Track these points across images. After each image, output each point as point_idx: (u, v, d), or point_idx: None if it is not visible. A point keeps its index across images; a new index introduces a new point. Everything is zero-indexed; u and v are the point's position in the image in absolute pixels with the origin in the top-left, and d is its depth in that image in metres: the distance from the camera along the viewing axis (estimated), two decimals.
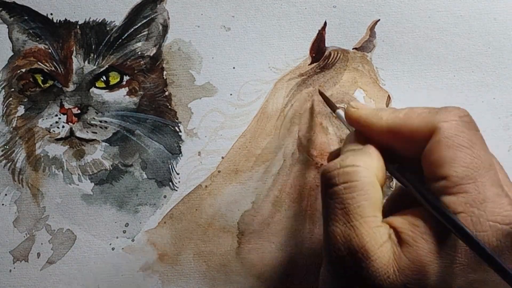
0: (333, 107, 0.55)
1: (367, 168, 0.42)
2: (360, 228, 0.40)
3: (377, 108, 0.45)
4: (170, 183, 0.59)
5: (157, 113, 0.59)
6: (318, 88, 0.58)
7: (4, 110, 0.60)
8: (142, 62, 0.60)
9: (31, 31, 0.60)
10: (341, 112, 0.52)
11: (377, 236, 0.40)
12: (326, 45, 0.59)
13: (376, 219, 0.41)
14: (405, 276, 0.39)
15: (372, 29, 0.59)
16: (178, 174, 0.59)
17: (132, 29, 0.60)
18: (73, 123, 0.59)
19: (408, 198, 0.43)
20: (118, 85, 0.59)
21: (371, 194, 0.41)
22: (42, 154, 0.59)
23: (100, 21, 0.60)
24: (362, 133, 0.45)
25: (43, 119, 0.59)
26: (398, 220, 0.41)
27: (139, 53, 0.60)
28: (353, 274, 0.40)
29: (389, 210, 0.43)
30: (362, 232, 0.40)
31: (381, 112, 0.44)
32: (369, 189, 0.41)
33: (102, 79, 0.59)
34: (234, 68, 0.60)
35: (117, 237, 0.59)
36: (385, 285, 0.39)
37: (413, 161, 0.43)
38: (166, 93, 0.60)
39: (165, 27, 0.60)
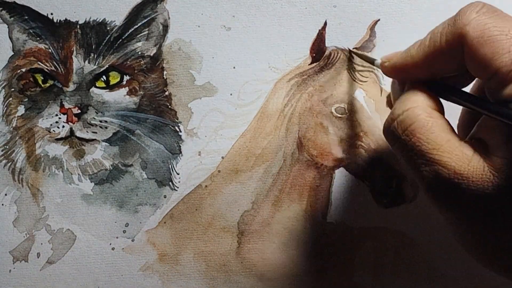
0: (370, 60, 0.56)
1: (417, 106, 0.42)
2: (441, 159, 0.39)
3: (404, 50, 0.45)
4: (170, 183, 0.59)
5: (157, 113, 0.59)
6: (348, 48, 0.59)
7: (4, 110, 0.60)
8: (142, 62, 0.60)
9: (31, 31, 0.60)
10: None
11: (461, 155, 0.39)
12: (326, 45, 0.59)
13: (451, 142, 0.40)
14: (506, 175, 0.38)
15: (372, 28, 0.59)
16: (178, 174, 0.59)
17: (133, 29, 0.60)
18: (73, 123, 0.59)
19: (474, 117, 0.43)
20: (118, 85, 0.59)
21: (433, 124, 0.41)
22: (42, 154, 0.59)
23: (100, 20, 0.60)
24: (404, 79, 0.46)
25: (43, 119, 0.59)
26: (474, 132, 0.42)
27: (140, 53, 0.60)
28: (465, 201, 0.39)
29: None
30: (444, 161, 0.39)
31: (408, 51, 0.44)
32: (429, 121, 0.41)
33: (102, 79, 0.59)
34: (234, 68, 0.60)
35: (117, 237, 0.59)
36: (494, 194, 0.38)
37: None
38: (166, 93, 0.60)
39: (166, 27, 0.60)
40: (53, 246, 0.59)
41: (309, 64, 0.59)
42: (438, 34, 0.42)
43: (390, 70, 0.46)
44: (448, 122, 0.42)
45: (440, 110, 0.43)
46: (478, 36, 0.39)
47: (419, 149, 0.40)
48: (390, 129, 0.43)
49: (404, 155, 0.42)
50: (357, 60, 0.59)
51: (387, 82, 0.59)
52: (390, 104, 0.55)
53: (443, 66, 0.43)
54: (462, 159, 0.39)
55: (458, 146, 0.40)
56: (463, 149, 0.40)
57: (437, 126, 0.41)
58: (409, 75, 0.45)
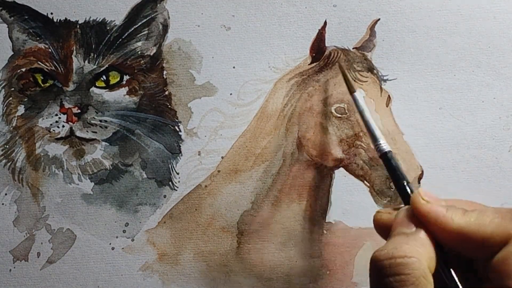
0: (350, 89, 0.54)
1: (419, 259, 0.40)
2: None
3: (447, 206, 0.43)
4: (170, 182, 0.59)
5: (157, 112, 0.59)
6: (340, 64, 0.58)
7: (4, 109, 0.60)
8: (142, 62, 0.60)
9: (31, 31, 0.60)
10: (357, 96, 0.52)
11: None
12: (326, 44, 0.59)
13: None
14: None
15: (372, 28, 0.59)
16: (178, 173, 0.59)
17: (132, 29, 0.60)
18: (73, 123, 0.59)
19: None
20: (118, 85, 0.59)
21: (423, 287, 0.40)
22: (42, 154, 0.59)
23: (100, 20, 0.60)
24: (426, 226, 0.43)
25: (43, 119, 0.59)
26: None
27: (139, 52, 0.60)
28: None
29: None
30: None
31: (452, 214, 0.42)
32: (421, 282, 0.40)
33: (102, 79, 0.59)
34: (234, 67, 0.59)
35: (117, 237, 0.59)
36: None
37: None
38: (166, 93, 0.60)
39: (165, 27, 0.60)
40: (53, 245, 0.59)
41: (309, 64, 0.59)
42: (488, 220, 0.41)
43: (423, 212, 0.43)
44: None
45: (433, 269, 0.42)
46: None
47: None
48: (382, 262, 0.41)
49: None
50: (357, 60, 0.59)
51: (387, 82, 0.59)
52: (381, 228, 0.48)
53: (475, 250, 0.42)
54: None
55: None
56: None
57: None
58: (436, 230, 0.43)
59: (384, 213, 0.47)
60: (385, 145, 0.48)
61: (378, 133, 0.49)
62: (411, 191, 0.47)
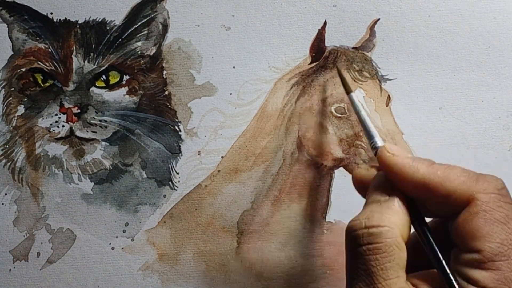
0: (347, 89, 0.54)
1: (392, 228, 0.41)
2: None
3: (414, 158, 0.44)
4: (170, 182, 0.59)
5: (157, 112, 0.59)
6: (337, 65, 0.58)
7: (4, 109, 0.60)
8: (142, 62, 0.60)
9: (31, 30, 0.60)
10: (354, 97, 0.52)
11: None
12: (326, 44, 0.59)
13: (399, 279, 0.41)
14: None
15: (372, 28, 0.59)
16: (178, 173, 0.59)
17: (132, 29, 0.60)
18: (73, 123, 0.59)
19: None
20: (118, 85, 0.59)
21: (395, 255, 0.41)
22: (42, 154, 0.59)
23: (100, 20, 0.60)
24: (392, 179, 0.44)
25: (43, 119, 0.59)
26: (421, 281, 0.42)
27: (139, 52, 0.60)
28: None
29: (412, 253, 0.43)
30: None
31: (418, 164, 0.43)
32: (393, 250, 0.41)
33: (102, 79, 0.59)
34: (234, 67, 0.59)
35: (116, 237, 0.59)
36: None
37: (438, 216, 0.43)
38: (166, 93, 0.60)
39: (165, 27, 0.60)
40: (53, 245, 0.59)
41: (308, 64, 0.59)
42: (454, 176, 0.42)
43: (388, 165, 0.44)
44: (405, 257, 0.42)
45: (406, 238, 0.42)
46: (487, 210, 0.40)
47: (372, 269, 0.41)
48: (356, 232, 0.42)
49: (353, 262, 0.42)
50: (356, 60, 0.59)
51: (387, 82, 0.59)
52: (360, 185, 0.49)
53: (434, 200, 0.43)
54: None
55: (403, 287, 0.41)
56: None
57: (396, 259, 0.41)
58: (400, 182, 0.44)
59: (363, 169, 0.48)
60: (380, 142, 0.48)
61: (373, 130, 0.49)
62: None
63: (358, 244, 0.41)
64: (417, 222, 0.43)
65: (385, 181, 0.45)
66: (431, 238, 0.42)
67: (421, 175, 0.42)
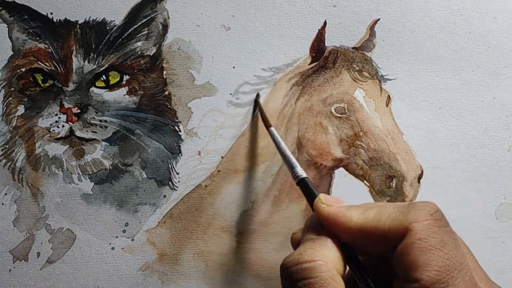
0: (266, 124, 0.55)
1: (325, 262, 0.41)
2: None
3: (347, 206, 0.44)
4: (170, 182, 0.59)
5: (157, 112, 0.59)
6: (256, 99, 0.59)
7: (4, 109, 0.60)
8: (142, 62, 0.60)
9: (31, 31, 0.60)
10: (273, 130, 0.53)
11: None
12: (326, 44, 0.59)
13: None
14: None
15: (372, 28, 0.59)
16: (178, 173, 0.59)
17: (132, 29, 0.60)
18: (73, 123, 0.59)
19: None
20: (118, 85, 0.59)
21: (332, 287, 0.41)
22: (42, 154, 0.59)
23: (100, 20, 0.60)
24: (329, 229, 0.45)
25: (43, 119, 0.59)
26: None
27: (139, 52, 0.60)
28: None
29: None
30: None
31: (351, 212, 0.43)
32: (329, 283, 0.41)
33: (102, 79, 0.59)
34: (234, 67, 0.60)
35: (116, 237, 0.59)
36: None
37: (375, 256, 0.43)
38: (166, 93, 0.60)
39: (165, 27, 0.60)
40: (53, 245, 0.59)
41: (308, 64, 0.59)
42: (386, 215, 0.42)
43: (323, 215, 0.45)
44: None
45: (342, 271, 0.42)
46: (421, 239, 0.40)
47: None
48: (290, 269, 0.42)
49: None
50: (356, 60, 0.59)
51: (387, 82, 0.59)
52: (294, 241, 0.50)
53: (374, 245, 0.43)
54: None
55: None
56: None
57: None
58: (337, 230, 0.44)
59: (298, 233, 0.48)
60: (301, 172, 0.48)
61: (294, 161, 0.50)
62: None
63: (294, 280, 0.41)
64: (349, 259, 0.43)
65: (317, 221, 0.45)
66: (365, 275, 0.42)
67: (354, 223, 0.43)
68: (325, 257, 0.42)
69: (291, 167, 0.49)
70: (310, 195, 0.47)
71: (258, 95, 0.59)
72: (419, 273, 0.39)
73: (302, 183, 0.48)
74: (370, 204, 0.44)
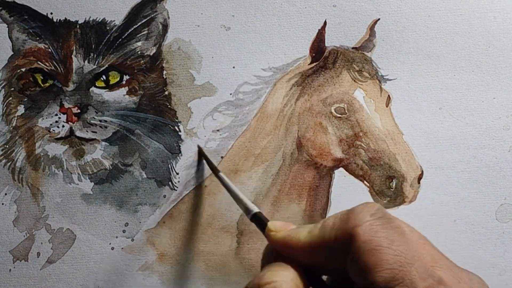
0: (214, 170, 0.55)
1: (285, 281, 0.41)
2: None
3: (295, 229, 0.45)
4: (170, 182, 0.59)
5: (157, 112, 0.59)
6: (198, 145, 0.59)
7: (4, 109, 0.60)
8: (142, 62, 0.60)
9: (31, 31, 0.60)
10: (222, 176, 0.53)
11: None
12: (326, 44, 0.59)
13: None
14: None
15: (372, 28, 0.59)
16: (177, 173, 0.59)
17: (132, 29, 0.60)
18: (73, 123, 0.59)
19: None
20: (118, 85, 0.59)
21: None
22: (42, 154, 0.59)
23: (100, 20, 0.60)
24: (284, 255, 0.45)
25: (43, 119, 0.59)
26: None
27: (139, 52, 0.60)
28: None
29: None
30: None
31: (298, 233, 0.44)
32: None
33: (102, 79, 0.59)
34: (234, 67, 0.59)
35: (116, 237, 0.59)
36: None
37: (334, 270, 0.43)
38: (166, 93, 0.60)
39: (165, 27, 0.60)
40: (53, 245, 0.59)
41: (308, 64, 0.59)
42: (329, 227, 0.42)
43: (275, 242, 0.45)
44: None
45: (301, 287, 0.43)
46: (366, 241, 0.39)
47: None
48: None
49: None
50: (356, 60, 0.59)
51: (387, 82, 0.59)
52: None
53: (327, 259, 0.42)
54: None
55: None
56: None
57: None
58: (291, 253, 0.44)
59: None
60: (253, 207, 0.49)
61: (246, 200, 0.50)
62: None
63: None
64: (310, 279, 0.43)
65: (272, 249, 0.46)
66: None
67: (303, 243, 0.43)
68: (284, 277, 0.42)
69: (244, 205, 0.50)
70: (263, 227, 0.47)
71: (198, 147, 0.59)
72: (372, 275, 0.39)
73: (255, 218, 0.49)
74: (316, 222, 0.44)
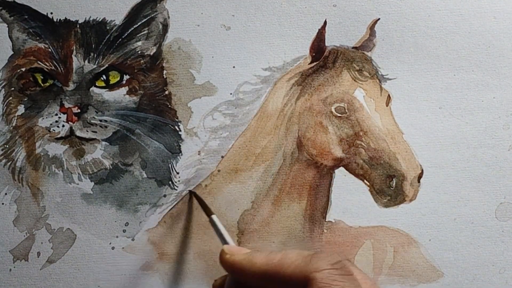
0: (207, 212, 0.55)
1: None
2: None
3: (252, 252, 0.46)
4: (170, 182, 0.59)
5: (157, 112, 0.59)
6: (190, 191, 0.59)
7: (4, 109, 0.60)
8: (142, 61, 0.60)
9: (31, 30, 0.60)
10: (215, 218, 0.54)
11: None
12: (326, 44, 0.59)
13: None
14: None
15: (372, 28, 0.59)
16: (178, 173, 0.59)
17: (132, 28, 0.60)
18: (73, 122, 0.59)
19: None
20: (118, 84, 0.59)
21: None
22: (42, 153, 0.59)
23: (100, 20, 0.60)
24: (236, 277, 0.46)
25: (43, 118, 0.59)
26: None
27: (139, 52, 0.60)
28: None
29: None
30: None
31: (254, 258, 0.45)
32: None
33: (102, 78, 0.59)
34: (234, 67, 0.60)
35: (117, 236, 0.59)
36: None
37: None
38: (166, 92, 0.60)
39: (165, 26, 0.60)
40: (53, 245, 0.59)
41: (308, 64, 0.59)
42: (289, 261, 0.43)
43: (229, 265, 0.46)
44: None
45: None
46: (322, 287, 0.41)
47: None
48: None
49: None
50: (357, 59, 0.59)
51: (386, 81, 0.59)
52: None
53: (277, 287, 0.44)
54: None
55: None
56: None
57: None
58: (244, 277, 0.45)
59: (218, 280, 0.51)
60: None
61: (229, 239, 0.52)
62: None
63: None
64: None
65: (232, 280, 0.47)
66: None
67: (258, 267, 0.44)
68: None
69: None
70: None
71: (190, 192, 0.59)
72: None
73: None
74: (275, 251, 0.47)
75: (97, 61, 0.59)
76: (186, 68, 0.60)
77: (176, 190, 0.59)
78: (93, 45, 0.59)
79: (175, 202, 0.59)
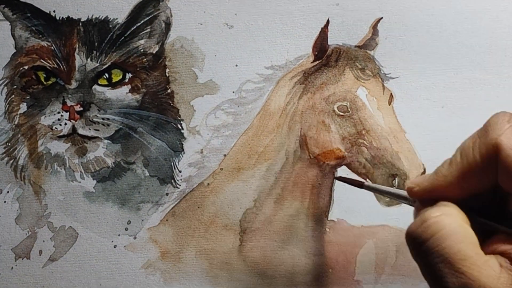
0: (360, 184, 0.54)
1: (448, 215, 0.40)
2: (471, 272, 0.38)
3: (432, 173, 0.43)
4: (172, 180, 0.59)
5: (160, 110, 0.59)
6: (336, 177, 0.58)
7: (7, 107, 0.60)
8: (144, 60, 0.60)
9: (33, 28, 0.60)
10: (369, 183, 0.52)
11: (490, 270, 0.38)
12: (329, 43, 0.59)
13: (479, 256, 0.39)
14: None
15: (374, 27, 0.59)
16: (180, 171, 0.59)
17: (135, 27, 0.60)
18: (76, 120, 0.59)
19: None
20: (120, 83, 0.59)
21: (463, 234, 0.39)
22: (44, 152, 0.59)
23: (103, 18, 0.60)
24: (434, 199, 0.43)
25: (46, 116, 0.59)
26: (500, 245, 0.40)
27: (142, 50, 0.60)
28: None
29: None
30: (474, 274, 0.38)
31: (439, 172, 0.42)
32: (459, 231, 0.39)
33: (105, 77, 0.59)
34: (236, 65, 0.60)
35: (119, 235, 0.59)
36: None
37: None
38: (169, 91, 0.60)
39: (168, 25, 0.60)
40: (55, 243, 0.59)
41: (311, 62, 0.59)
42: (470, 149, 0.40)
43: (421, 194, 0.43)
44: (474, 235, 0.40)
45: (468, 223, 0.41)
46: None
47: (448, 257, 0.38)
48: (415, 232, 0.40)
49: (427, 263, 0.40)
50: (359, 58, 0.59)
51: (389, 80, 0.59)
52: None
53: (478, 182, 0.41)
54: (491, 275, 0.38)
55: (487, 261, 0.38)
56: (491, 264, 0.38)
57: (467, 237, 0.39)
58: (440, 195, 0.42)
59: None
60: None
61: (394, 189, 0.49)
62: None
63: (422, 241, 0.40)
64: (473, 215, 0.42)
65: (419, 206, 0.44)
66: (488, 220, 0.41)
67: (451, 177, 0.41)
68: (446, 211, 0.40)
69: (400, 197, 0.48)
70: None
71: (335, 178, 0.58)
72: None
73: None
74: (446, 159, 0.43)
75: (99, 59, 0.59)
76: (189, 66, 0.60)
77: (178, 188, 0.59)
78: (96, 43, 0.59)
79: (177, 201, 0.59)
